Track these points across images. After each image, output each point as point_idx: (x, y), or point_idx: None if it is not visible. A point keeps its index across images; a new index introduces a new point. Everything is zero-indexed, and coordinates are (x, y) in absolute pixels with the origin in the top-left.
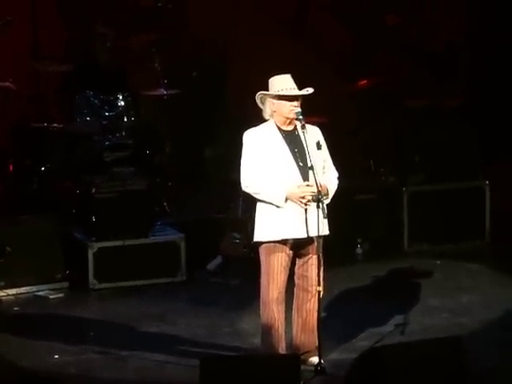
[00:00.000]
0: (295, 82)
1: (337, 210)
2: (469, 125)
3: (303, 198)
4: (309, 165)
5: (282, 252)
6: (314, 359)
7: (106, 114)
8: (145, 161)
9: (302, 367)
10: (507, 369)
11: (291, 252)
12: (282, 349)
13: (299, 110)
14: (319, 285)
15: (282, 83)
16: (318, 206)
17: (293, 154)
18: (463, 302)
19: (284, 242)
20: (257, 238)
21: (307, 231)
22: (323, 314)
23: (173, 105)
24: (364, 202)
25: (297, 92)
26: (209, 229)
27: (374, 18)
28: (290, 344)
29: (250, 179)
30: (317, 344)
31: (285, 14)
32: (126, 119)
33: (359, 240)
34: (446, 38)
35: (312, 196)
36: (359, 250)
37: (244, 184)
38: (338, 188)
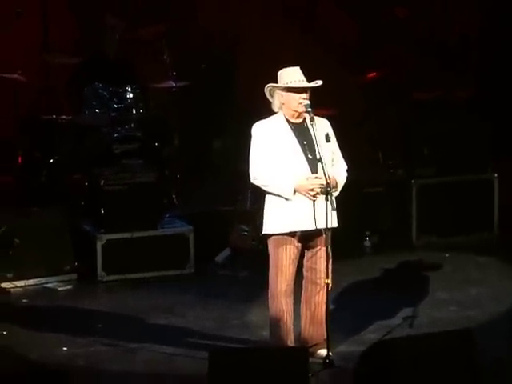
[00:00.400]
0: (304, 75)
1: (345, 203)
2: (478, 117)
3: (312, 190)
4: (317, 157)
5: (291, 244)
6: (323, 352)
7: (115, 106)
8: (153, 153)
9: (311, 360)
10: None
11: (300, 244)
12: (290, 341)
13: (308, 102)
14: (327, 277)
15: (291, 75)
16: (326, 199)
17: (301, 147)
18: (472, 295)
19: (292, 234)
20: (265, 230)
21: (316, 223)
22: (332, 307)
23: (181, 97)
24: (372, 194)
25: (305, 84)
26: (217, 221)
27: (383, 9)
28: (298, 337)
29: (259, 171)
30: (325, 337)
31: (293, 6)
32: (134, 111)
33: (368, 233)
34: (457, 30)
35: (321, 188)
36: (368, 243)
37: (252, 176)
38: (346, 180)
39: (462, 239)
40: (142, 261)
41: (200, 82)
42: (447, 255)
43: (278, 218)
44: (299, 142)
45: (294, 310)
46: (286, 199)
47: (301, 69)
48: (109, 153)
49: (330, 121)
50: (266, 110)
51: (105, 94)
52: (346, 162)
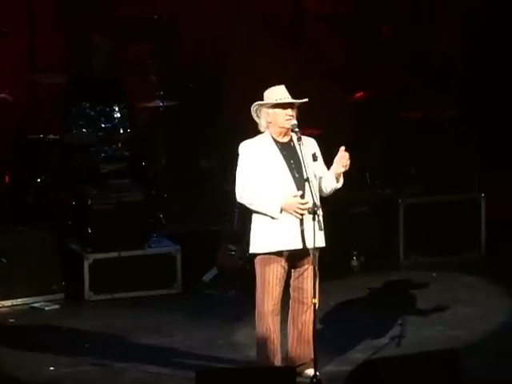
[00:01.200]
0: (289, 93)
1: (332, 223)
2: (464, 136)
3: (299, 209)
4: (305, 177)
5: (278, 264)
6: (310, 371)
7: (102, 125)
8: (141, 172)
9: (298, 379)
10: (504, 382)
11: (287, 264)
12: (277, 361)
13: (295, 122)
14: (315, 297)
15: (277, 93)
16: (313, 219)
17: (288, 166)
18: (459, 314)
19: (279, 253)
20: (252, 249)
21: (303, 242)
22: (319, 326)
23: (169, 116)
24: (359, 214)
25: (291, 100)
26: (204, 241)
27: (370, 29)
28: (285, 356)
29: (245, 190)
30: (312, 356)
31: (281, 25)
32: (122, 131)
33: (355, 252)
34: (442, 49)
35: (307, 209)
36: (355, 263)
37: (238, 195)
38: (333, 198)
39: (449, 259)
40: (129, 280)
41: (187, 102)
42: (434, 275)
43: (264, 237)
44: (286, 161)
45: (282, 329)
46: (273, 218)
47: (286, 87)
48: (96, 172)
49: (316, 140)
50: (253, 129)
51: (92, 113)
52: None
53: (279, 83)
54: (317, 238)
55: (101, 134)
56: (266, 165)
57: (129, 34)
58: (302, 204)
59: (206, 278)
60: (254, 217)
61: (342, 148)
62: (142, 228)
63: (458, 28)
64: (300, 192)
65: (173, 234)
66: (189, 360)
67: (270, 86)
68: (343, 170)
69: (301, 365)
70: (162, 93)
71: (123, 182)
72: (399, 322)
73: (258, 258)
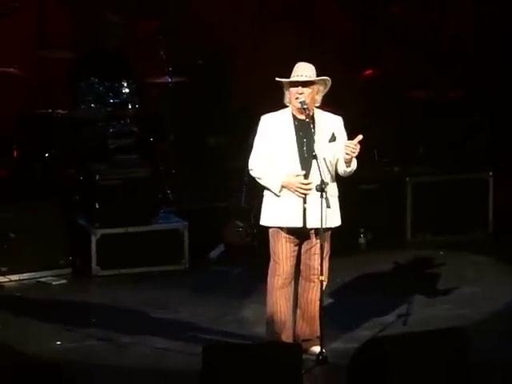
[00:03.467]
0: (316, 69)
1: (340, 200)
2: (473, 116)
3: (300, 188)
4: (313, 154)
5: (286, 239)
6: (316, 348)
7: (111, 101)
8: (149, 148)
9: (304, 356)
10: (510, 361)
11: (296, 239)
12: (285, 335)
13: (303, 99)
14: (322, 274)
15: (296, 70)
16: (321, 196)
17: (298, 144)
18: (466, 293)
19: (285, 229)
20: (261, 221)
21: (304, 221)
22: (325, 304)
23: (177, 92)
24: (367, 192)
25: (296, 78)
26: (212, 217)
27: (379, 8)
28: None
29: (256, 163)
30: (318, 334)
31: (290, 5)
32: (130, 106)
33: (362, 230)
34: (452, 29)
35: (312, 188)
36: (362, 240)
37: (250, 167)
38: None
39: (456, 238)
40: (136, 256)
41: (196, 78)
42: (442, 253)
43: (270, 211)
44: (298, 139)
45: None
46: (277, 194)
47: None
48: (104, 148)
49: None
50: (262, 108)
51: (100, 88)
52: None
53: (287, 61)
54: (329, 218)
55: (109, 109)
56: (278, 141)
57: (138, 9)
58: (304, 184)
59: (213, 254)
60: (265, 190)
61: (358, 137)
62: (149, 204)
63: (468, 7)
64: (303, 172)
65: (180, 210)
66: (195, 336)
67: (279, 64)
68: (348, 157)
69: (305, 340)
70: (170, 69)
71: (131, 157)
72: (406, 300)
73: (269, 230)
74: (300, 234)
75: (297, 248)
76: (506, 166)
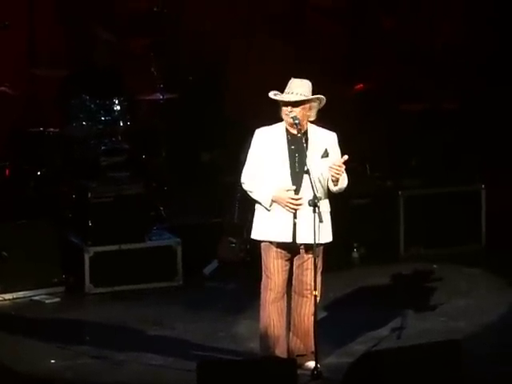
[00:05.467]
0: (312, 85)
1: (333, 215)
2: (465, 129)
3: (290, 204)
4: (305, 169)
5: (278, 253)
6: (311, 364)
7: (102, 118)
8: (141, 165)
9: (299, 371)
10: (504, 373)
11: (287, 254)
12: (279, 350)
13: (294, 114)
14: (315, 289)
15: (288, 87)
16: (314, 211)
17: (290, 159)
18: (460, 306)
19: (272, 243)
20: (252, 235)
21: (294, 236)
22: (319, 318)
23: (169, 109)
24: (360, 206)
25: (284, 97)
26: (205, 233)
27: (371, 21)
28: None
29: (248, 177)
30: (312, 349)
31: (282, 18)
32: (122, 124)
33: (355, 244)
34: (443, 41)
35: (301, 204)
36: (355, 255)
37: (242, 180)
38: (345, 187)
39: (449, 250)
40: (129, 273)
41: (188, 94)
42: (435, 266)
43: (261, 225)
44: (290, 154)
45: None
46: (267, 209)
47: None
48: (96, 165)
49: None
50: (254, 122)
51: (92, 106)
52: None
53: (279, 76)
54: (320, 233)
55: (101, 126)
56: (270, 155)
57: (129, 26)
58: (294, 199)
59: (207, 270)
60: (257, 204)
61: (343, 158)
62: (142, 221)
63: (458, 20)
64: (294, 187)
65: (173, 226)
66: (190, 352)
67: (270, 79)
68: (333, 178)
69: (300, 355)
70: (162, 85)
71: (123, 174)
72: (400, 313)
73: (261, 244)
74: (290, 249)
75: (288, 262)
76: (499, 179)
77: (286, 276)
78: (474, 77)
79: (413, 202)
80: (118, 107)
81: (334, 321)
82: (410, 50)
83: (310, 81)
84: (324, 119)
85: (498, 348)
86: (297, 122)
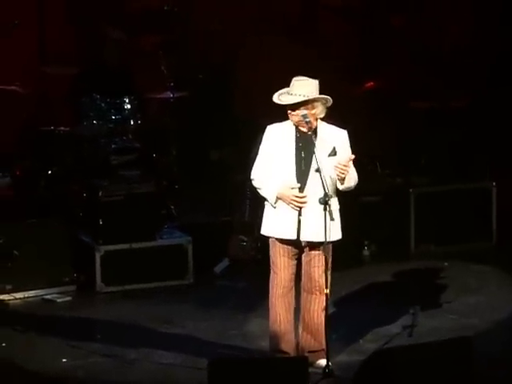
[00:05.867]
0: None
1: (343, 213)
2: (475, 126)
3: (294, 201)
4: (315, 167)
5: (284, 249)
6: (322, 361)
7: (113, 117)
8: (151, 164)
9: (310, 369)
10: None
11: (293, 250)
12: (286, 346)
13: (305, 112)
14: (326, 287)
15: (290, 88)
16: (324, 209)
17: (297, 157)
18: (470, 303)
19: (278, 239)
20: (261, 231)
21: (298, 234)
22: (331, 316)
23: (179, 107)
24: (370, 204)
25: (283, 100)
26: (216, 231)
27: (381, 20)
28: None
29: (258, 173)
30: (322, 346)
31: (292, 16)
32: (132, 122)
33: (366, 242)
34: (452, 39)
35: (303, 202)
36: (366, 252)
37: (252, 176)
38: (353, 186)
39: (460, 248)
40: (140, 272)
41: (198, 93)
42: (446, 264)
43: (268, 222)
44: (297, 152)
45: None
46: (273, 205)
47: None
48: (106, 164)
49: None
50: (264, 120)
51: (102, 105)
52: None
53: (289, 74)
54: (330, 231)
55: (111, 125)
56: (278, 152)
57: (139, 25)
58: (299, 197)
59: (218, 268)
60: (265, 200)
61: (350, 157)
62: (153, 219)
63: (468, 18)
64: (298, 184)
65: (184, 225)
66: (201, 351)
67: (280, 77)
68: (338, 177)
69: (312, 352)
70: (172, 84)
71: (134, 173)
72: (411, 311)
73: (269, 240)
74: (296, 246)
75: (295, 258)
76: (509, 176)
77: (293, 272)
78: (483, 76)
79: (423, 200)
80: (129, 106)
81: (345, 318)
82: (419, 48)
83: (320, 79)
84: (334, 117)
85: (509, 345)
86: (307, 120)
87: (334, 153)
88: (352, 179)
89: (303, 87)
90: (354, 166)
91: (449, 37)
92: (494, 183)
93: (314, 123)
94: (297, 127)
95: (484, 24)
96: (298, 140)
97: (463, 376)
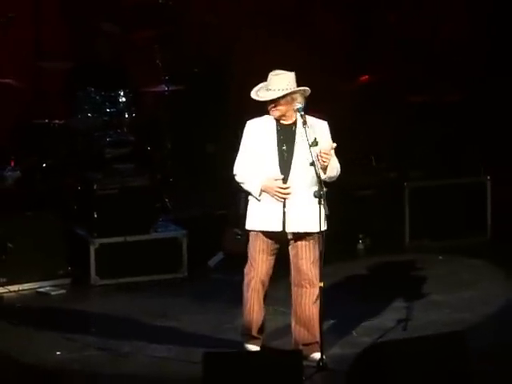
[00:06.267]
0: (297, 76)
1: (338, 206)
2: (469, 120)
3: (278, 193)
4: (310, 161)
5: (264, 241)
6: (316, 355)
7: (108, 110)
8: (146, 157)
9: (304, 363)
10: (507, 364)
11: (275, 243)
12: (256, 331)
13: (300, 105)
14: (321, 280)
15: (267, 83)
16: (319, 202)
17: (279, 149)
18: (465, 298)
19: (263, 232)
20: (246, 226)
21: (284, 225)
22: (325, 310)
23: (174, 101)
24: (365, 197)
25: (261, 97)
26: (210, 225)
27: (376, 15)
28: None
29: (240, 168)
30: (315, 338)
31: (287, 10)
32: (127, 115)
33: (360, 236)
34: (446, 34)
35: (287, 193)
36: (360, 246)
37: (234, 172)
38: (338, 176)
39: (454, 242)
40: (135, 265)
41: (193, 86)
42: (440, 258)
43: (252, 216)
44: (278, 144)
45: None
46: (257, 199)
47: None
48: (101, 157)
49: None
50: (259, 114)
51: (97, 98)
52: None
53: (284, 67)
54: (315, 222)
55: (106, 118)
56: (260, 145)
57: (135, 18)
58: (283, 188)
59: (212, 262)
60: (249, 195)
61: (332, 145)
62: (147, 213)
63: (462, 11)
64: (282, 176)
65: (179, 218)
66: (195, 344)
67: (275, 69)
68: (320, 166)
69: (306, 345)
70: (167, 77)
71: (128, 166)
72: (405, 305)
73: (250, 233)
74: (279, 240)
75: (274, 253)
76: (504, 170)
77: (271, 266)
78: (477, 69)
79: (418, 194)
80: (123, 99)
81: (339, 312)
82: (413, 43)
83: (315, 73)
84: (329, 111)
85: (502, 339)
86: (302, 112)
87: (315, 143)
88: (334, 168)
89: (281, 81)
90: (347, 159)
91: (443, 31)
92: (489, 177)
93: (293, 116)
94: (277, 121)
95: (477, 19)
96: (279, 133)
97: (457, 370)
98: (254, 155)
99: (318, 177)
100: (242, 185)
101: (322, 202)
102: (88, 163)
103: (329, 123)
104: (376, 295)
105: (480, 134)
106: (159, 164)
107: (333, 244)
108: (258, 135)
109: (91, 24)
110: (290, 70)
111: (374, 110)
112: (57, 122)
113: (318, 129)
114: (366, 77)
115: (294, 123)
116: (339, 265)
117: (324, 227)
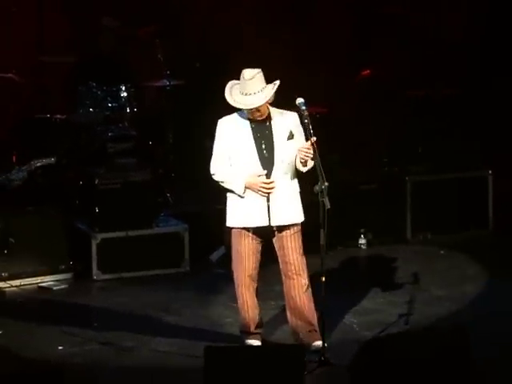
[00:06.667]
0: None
1: (340, 201)
2: (471, 114)
3: (263, 188)
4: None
5: (248, 238)
6: (318, 343)
7: (109, 105)
8: (148, 152)
9: (306, 356)
10: (509, 358)
11: (260, 238)
12: (252, 328)
13: (302, 100)
14: (322, 275)
15: (242, 87)
16: (321, 197)
17: (257, 145)
18: (466, 292)
19: (248, 229)
20: (227, 223)
21: (269, 220)
22: (327, 304)
23: (176, 95)
24: (367, 192)
25: (248, 104)
26: (212, 219)
27: (375, 9)
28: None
29: (217, 167)
30: (313, 326)
31: (289, 5)
32: (128, 110)
33: (362, 230)
34: (447, 29)
35: (271, 188)
36: (362, 240)
37: (212, 171)
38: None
39: (456, 236)
40: (137, 259)
41: (194, 81)
42: (442, 252)
43: (234, 213)
44: (256, 140)
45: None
46: (240, 196)
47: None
48: (103, 152)
49: (323, 119)
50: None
51: (99, 93)
52: (340, 160)
53: (285, 62)
54: (293, 214)
55: (108, 113)
56: (236, 143)
57: (136, 13)
58: (267, 183)
59: (214, 256)
60: (228, 192)
61: (311, 139)
62: (149, 207)
63: (463, 5)
64: (265, 171)
65: (180, 212)
66: (197, 338)
67: (276, 65)
68: (302, 160)
69: (305, 333)
70: (168, 72)
71: (130, 161)
72: (407, 299)
73: (231, 231)
74: (263, 234)
75: (260, 247)
76: (506, 164)
77: (258, 259)
78: (477, 64)
79: (420, 188)
80: (125, 94)
81: (341, 306)
82: (415, 36)
83: (316, 67)
84: (331, 105)
85: (503, 333)
86: (304, 107)
87: (291, 136)
88: (312, 162)
89: (255, 84)
90: (349, 153)
91: (443, 26)
92: (490, 171)
93: (267, 110)
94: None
95: (479, 10)
96: (254, 130)
97: (459, 364)
98: (231, 154)
99: (320, 172)
100: (222, 184)
101: (323, 197)
102: (90, 158)
103: (330, 117)
104: (378, 289)
105: (482, 128)
106: (161, 158)
107: (335, 238)
108: (232, 134)
109: (92, 19)
110: (292, 63)
111: (376, 104)
112: (58, 116)
113: (290, 121)
114: (368, 71)
115: (267, 118)
116: (341, 259)
117: (302, 218)
